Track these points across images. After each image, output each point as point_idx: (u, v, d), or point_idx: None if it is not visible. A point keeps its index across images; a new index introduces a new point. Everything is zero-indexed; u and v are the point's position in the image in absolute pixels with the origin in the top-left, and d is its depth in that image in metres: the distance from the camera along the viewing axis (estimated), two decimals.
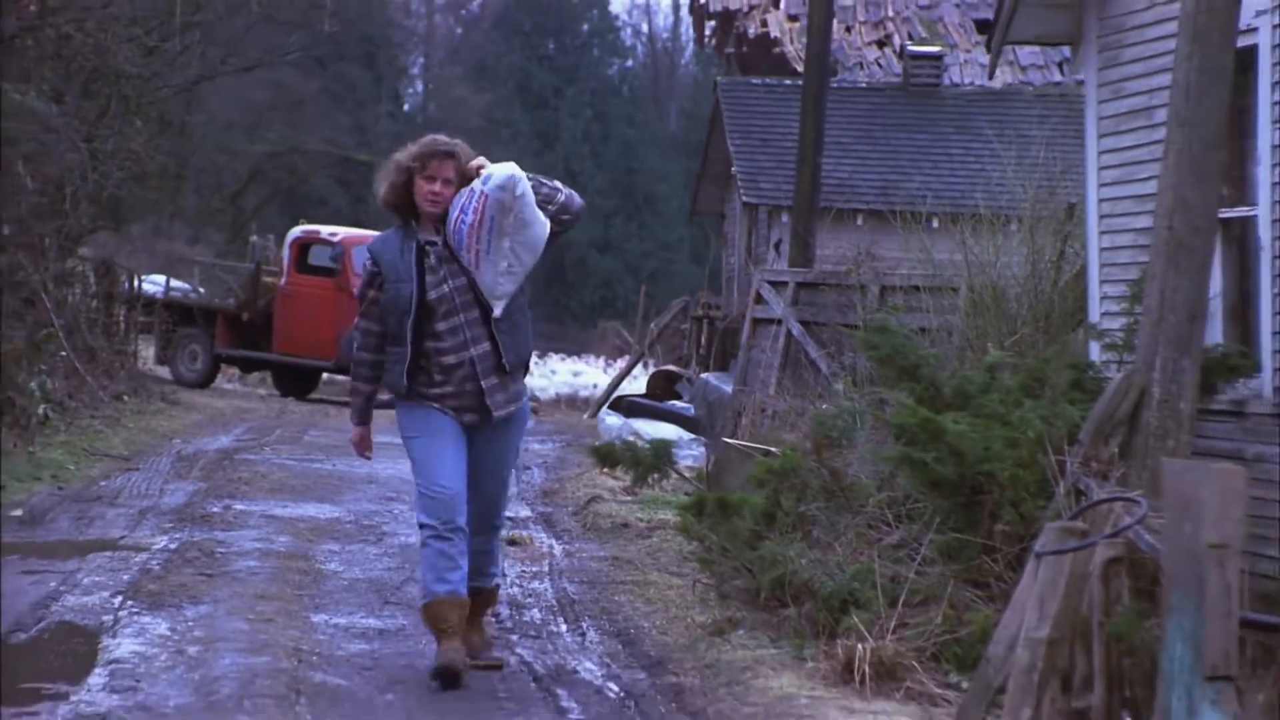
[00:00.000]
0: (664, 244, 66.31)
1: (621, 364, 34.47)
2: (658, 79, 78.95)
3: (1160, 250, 9.28)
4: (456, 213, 8.34)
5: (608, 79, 72.78)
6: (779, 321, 19.22)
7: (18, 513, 13.86)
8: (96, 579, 10.95)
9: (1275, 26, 10.38)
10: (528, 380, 9.18)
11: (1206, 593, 6.88)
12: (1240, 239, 10.87)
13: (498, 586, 9.31)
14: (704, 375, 23.06)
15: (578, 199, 8.63)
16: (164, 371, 30.39)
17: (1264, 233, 10.51)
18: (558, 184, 8.61)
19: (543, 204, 8.44)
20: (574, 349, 51.42)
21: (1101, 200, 11.99)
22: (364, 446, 8.86)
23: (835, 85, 27.54)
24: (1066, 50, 22.07)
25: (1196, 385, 9.36)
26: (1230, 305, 10.96)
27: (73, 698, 7.88)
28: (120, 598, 10.30)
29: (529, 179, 8.39)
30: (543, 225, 8.42)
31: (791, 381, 18.20)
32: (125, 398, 22.92)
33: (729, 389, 19.90)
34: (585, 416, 29.53)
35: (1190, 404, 9.27)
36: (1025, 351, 13.08)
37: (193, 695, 7.99)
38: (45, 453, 17.15)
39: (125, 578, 10.98)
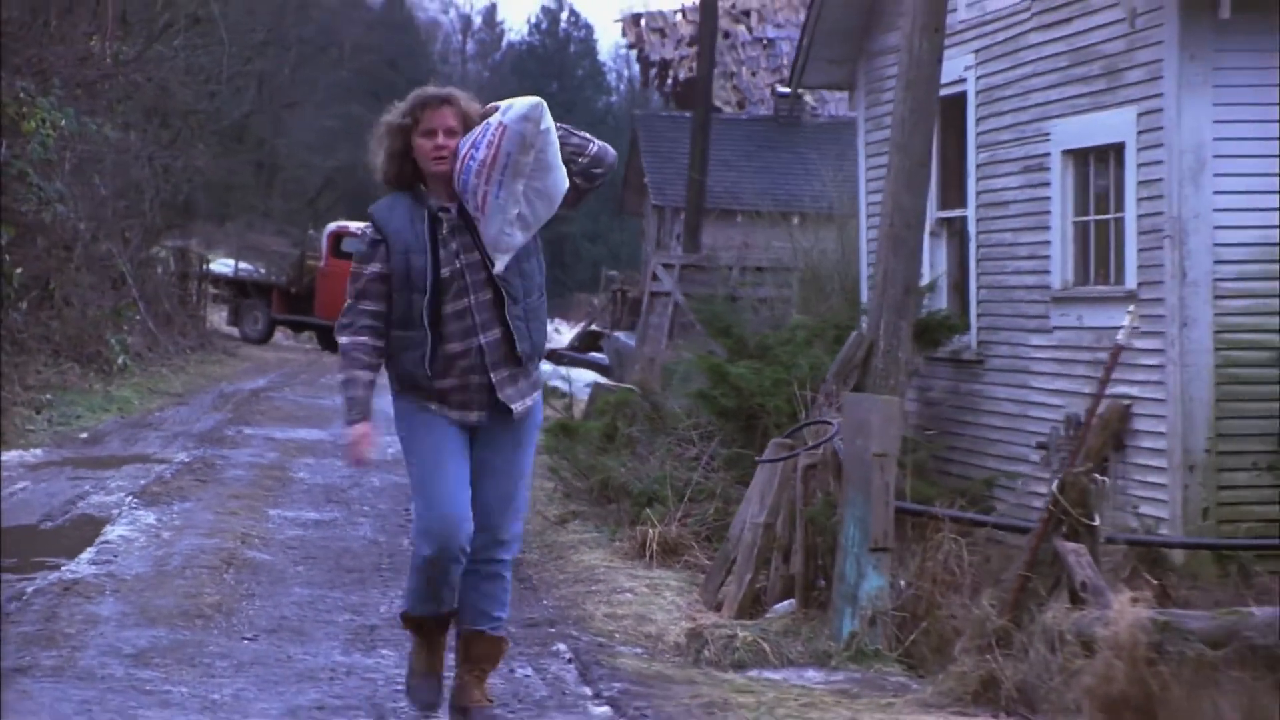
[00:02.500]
0: (634, 234, 66.64)
1: (581, 325, 34.64)
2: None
3: (884, 241, 9.52)
4: (466, 149, 5.47)
5: (597, 111, 72.89)
6: (669, 294, 19.49)
7: (84, 435, 14.08)
8: (121, 483, 11.04)
9: (978, 78, 10.63)
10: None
11: (872, 489, 7.14)
12: (960, 232, 11.14)
13: (504, 638, 5.78)
14: (616, 334, 23.25)
15: (611, 151, 5.76)
16: (234, 331, 30.72)
17: (972, 228, 10.80)
18: (589, 135, 5.70)
19: (572, 156, 5.61)
20: (558, 315, 51.63)
21: (868, 205, 12.23)
22: (365, 444, 5.46)
23: (724, 117, 27.75)
24: None
25: (910, 339, 9.59)
26: (953, 281, 11.25)
27: (63, 568, 8.00)
28: (131, 497, 10.37)
29: (558, 128, 5.57)
30: (564, 175, 5.59)
31: (677, 340, 18.45)
32: (190, 351, 23.13)
33: (633, 344, 20.18)
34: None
35: (906, 354, 9.50)
36: (836, 317, 13.32)
37: (149, 567, 8.11)
38: (119, 391, 17.28)
39: (141, 482, 11.05)
